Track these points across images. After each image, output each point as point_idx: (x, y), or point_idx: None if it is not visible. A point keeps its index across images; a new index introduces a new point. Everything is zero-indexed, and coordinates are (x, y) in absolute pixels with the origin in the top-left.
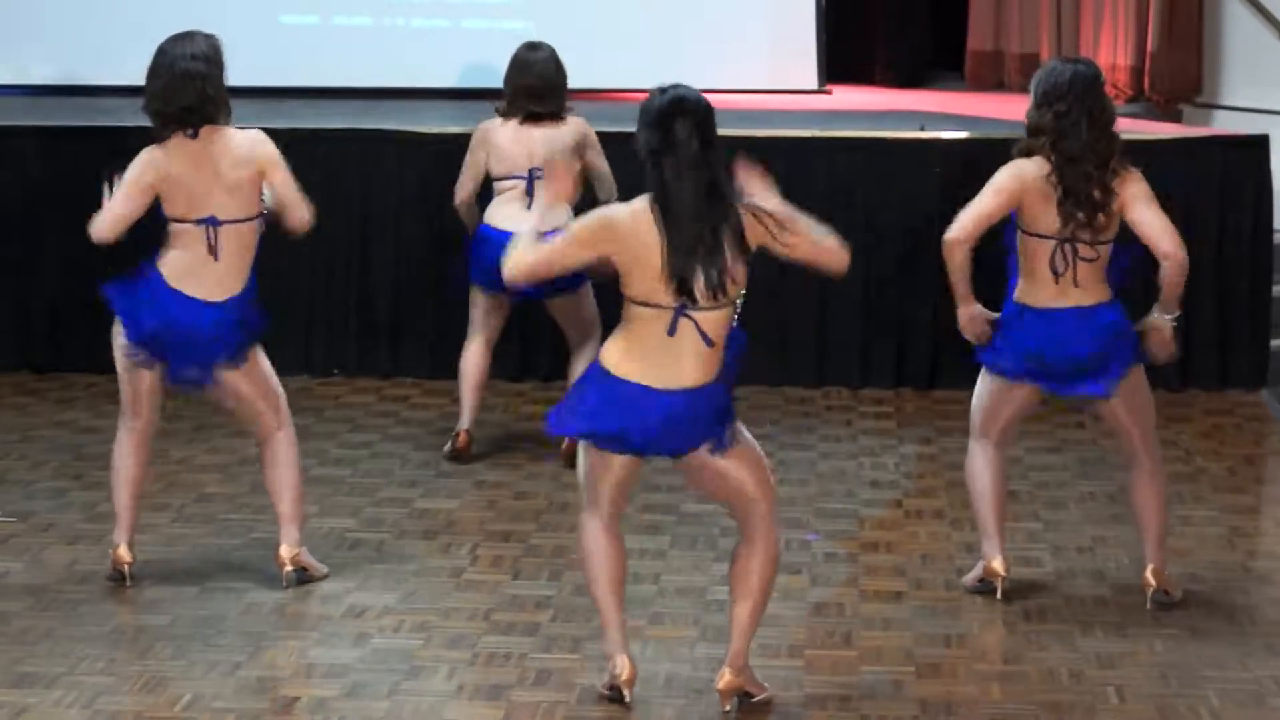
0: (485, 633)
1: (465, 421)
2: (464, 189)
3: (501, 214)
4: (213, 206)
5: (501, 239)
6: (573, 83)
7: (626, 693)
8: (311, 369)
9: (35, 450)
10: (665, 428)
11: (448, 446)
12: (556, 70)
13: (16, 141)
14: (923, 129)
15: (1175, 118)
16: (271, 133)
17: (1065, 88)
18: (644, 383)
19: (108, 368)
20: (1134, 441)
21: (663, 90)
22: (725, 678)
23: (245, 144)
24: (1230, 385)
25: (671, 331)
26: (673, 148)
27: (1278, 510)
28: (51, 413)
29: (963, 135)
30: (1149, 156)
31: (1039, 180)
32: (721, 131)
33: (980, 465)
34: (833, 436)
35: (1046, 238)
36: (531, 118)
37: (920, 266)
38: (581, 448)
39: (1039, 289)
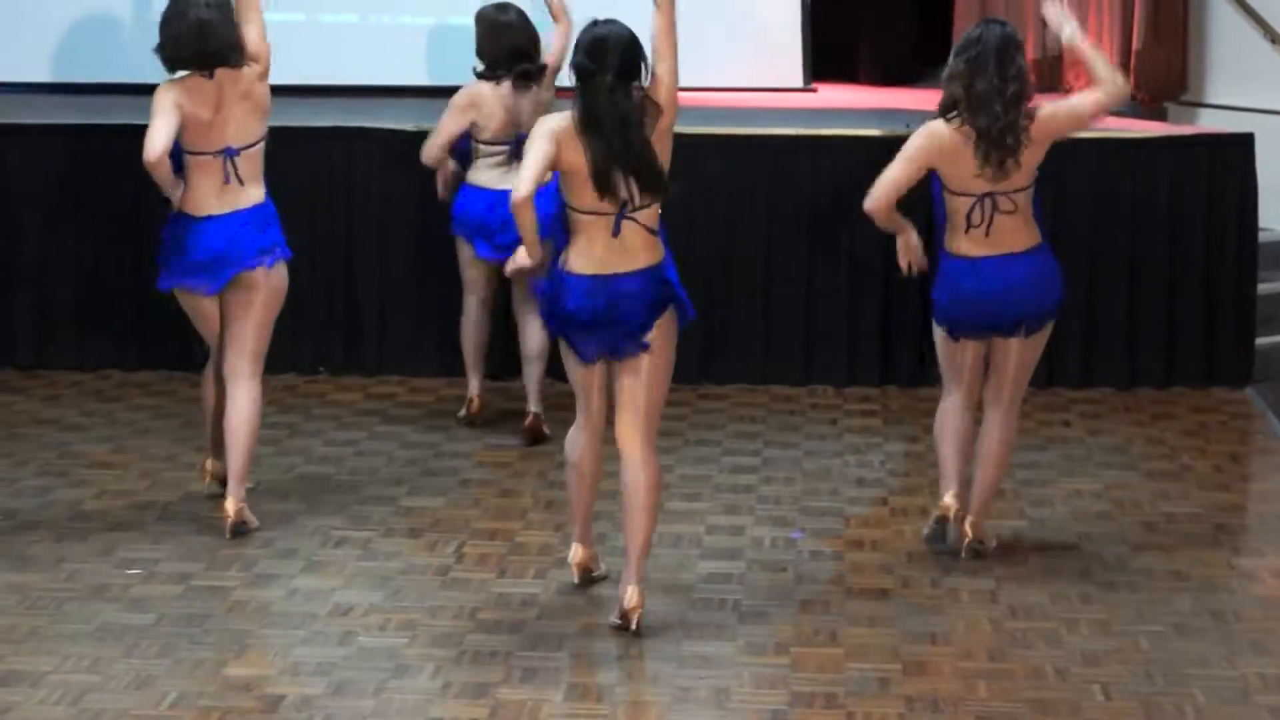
0: (471, 631)
1: (475, 387)
2: (435, 149)
3: (486, 176)
4: (228, 138)
5: (489, 197)
6: (557, 80)
7: (575, 573)
8: (298, 367)
9: (20, 448)
10: (616, 304)
11: (461, 413)
12: (532, 27)
13: None
14: (908, 127)
15: (1160, 116)
16: None
17: (976, 38)
18: (600, 272)
19: (92, 365)
20: (1005, 385)
21: (594, 23)
22: (633, 595)
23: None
24: (1216, 383)
25: (615, 232)
26: (592, 76)
27: (1263, 507)
28: (36, 410)
29: None
30: (1134, 155)
31: (952, 135)
32: (706, 129)
33: (946, 413)
34: (818, 435)
35: (965, 195)
36: (522, 79)
37: None
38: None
39: (961, 240)
